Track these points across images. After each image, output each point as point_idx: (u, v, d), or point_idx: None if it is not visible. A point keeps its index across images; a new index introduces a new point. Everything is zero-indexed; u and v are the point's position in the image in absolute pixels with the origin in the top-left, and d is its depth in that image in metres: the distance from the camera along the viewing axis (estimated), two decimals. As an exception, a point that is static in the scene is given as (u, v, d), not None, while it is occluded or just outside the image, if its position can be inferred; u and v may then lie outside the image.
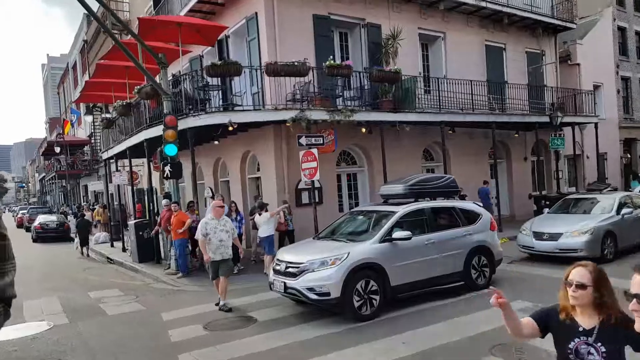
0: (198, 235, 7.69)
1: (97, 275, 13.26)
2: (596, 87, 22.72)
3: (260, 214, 10.56)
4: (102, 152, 19.54)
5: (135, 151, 15.79)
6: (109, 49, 15.05)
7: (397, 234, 6.93)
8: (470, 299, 7.65)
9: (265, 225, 10.46)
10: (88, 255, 19.03)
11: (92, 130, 35.75)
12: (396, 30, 14.11)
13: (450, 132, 15.71)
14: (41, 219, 26.17)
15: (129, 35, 15.69)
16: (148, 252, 14.04)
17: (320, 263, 6.59)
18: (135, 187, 26.05)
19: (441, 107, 14.27)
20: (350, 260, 6.55)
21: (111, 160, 20.62)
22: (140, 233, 14.18)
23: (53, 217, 27.02)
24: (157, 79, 12.65)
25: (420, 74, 15.26)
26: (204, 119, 11.34)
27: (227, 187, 17.07)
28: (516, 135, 18.26)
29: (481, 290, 7.89)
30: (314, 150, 11.40)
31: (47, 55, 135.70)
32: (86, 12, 13.83)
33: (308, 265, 6.64)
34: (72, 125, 38.32)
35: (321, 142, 11.68)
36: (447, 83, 14.51)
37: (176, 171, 11.45)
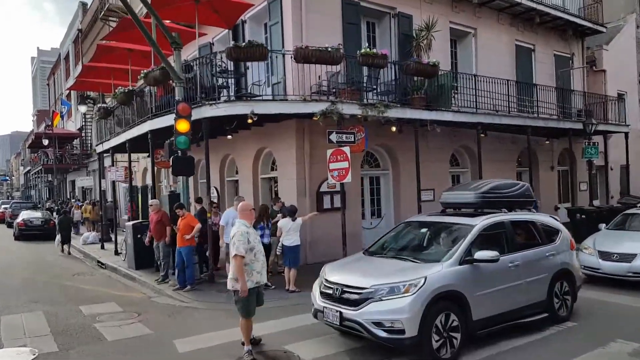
0: (239, 250, 5.52)
1: (88, 283, 11.67)
2: (620, 95, 21.64)
3: (293, 219, 9.09)
4: (97, 145, 17.94)
5: (136, 144, 14.26)
6: (112, 29, 13.48)
7: (481, 254, 5.54)
8: (557, 336, 6.27)
9: (293, 233, 9.01)
10: (69, 252, 17.81)
11: (83, 123, 34.00)
12: (431, 21, 12.79)
13: (483, 135, 14.40)
14: (25, 215, 24.33)
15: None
16: (146, 258, 12.44)
17: (389, 289, 5.17)
18: (127, 185, 24.57)
19: (477, 107, 12.94)
20: (429, 287, 5.13)
21: (105, 155, 19.02)
22: (139, 236, 12.59)
23: (38, 214, 25.20)
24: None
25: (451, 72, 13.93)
26: (223, 108, 9.87)
27: (234, 188, 15.59)
28: (547, 142, 17.05)
29: (564, 324, 6.53)
30: (346, 149, 10.00)
31: (38, 48, 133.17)
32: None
33: (373, 291, 5.21)
34: (62, 117, 36.45)
35: (352, 139, 10.30)
36: (485, 82, 13.19)
37: (187, 167, 9.96)
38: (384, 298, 5.13)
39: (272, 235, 9.79)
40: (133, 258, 12.56)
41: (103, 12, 24.57)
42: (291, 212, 9.20)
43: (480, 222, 6.04)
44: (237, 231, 5.63)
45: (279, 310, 7.94)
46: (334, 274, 5.91)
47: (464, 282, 5.45)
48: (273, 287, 9.38)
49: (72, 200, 29.44)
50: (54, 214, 27.24)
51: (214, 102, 10.00)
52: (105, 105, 16.56)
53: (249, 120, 10.68)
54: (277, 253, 9.65)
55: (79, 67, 36.96)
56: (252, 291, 5.66)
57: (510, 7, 15.80)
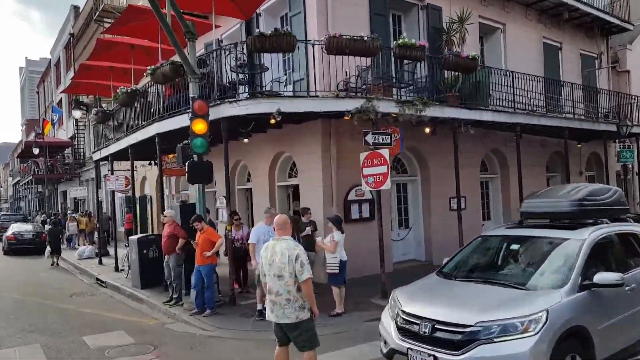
0: (310, 272, 4.53)
1: (89, 305, 10.36)
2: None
3: (340, 231, 7.88)
4: (93, 152, 16.63)
5: (139, 151, 13.02)
6: (114, 21, 12.27)
7: (603, 277, 4.38)
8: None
9: (339, 248, 7.81)
10: (57, 264, 17.49)
11: (76, 131, 32.58)
12: (465, 13, 11.74)
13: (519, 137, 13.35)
14: (15, 228, 22.87)
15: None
16: (153, 275, 11.18)
17: (501, 327, 3.97)
18: (125, 195, 23.26)
19: (516, 106, 11.87)
20: (554, 323, 3.95)
21: (102, 163, 17.72)
22: (145, 251, 11.34)
23: (29, 227, 23.74)
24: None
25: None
26: (245, 106, 8.70)
27: (245, 197, 14.38)
28: (578, 145, 16.03)
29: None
30: (384, 151, 8.84)
31: (26, 58, 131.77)
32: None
33: (480, 330, 4.01)
34: (53, 125, 34.97)
35: (389, 141, 9.15)
36: (522, 80, 12.14)
37: (205, 173, 8.76)
38: (496, 339, 3.95)
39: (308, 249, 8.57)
40: (138, 276, 11.27)
41: (97, 13, 23.36)
42: (339, 222, 8.02)
43: (589, 236, 4.89)
44: (299, 251, 4.53)
45: (325, 341, 6.72)
46: (414, 303, 4.71)
47: (585, 313, 4.30)
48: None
49: (69, 212, 27.89)
50: (46, 226, 25.81)
51: (235, 99, 8.82)
52: (103, 108, 15.29)
53: (272, 121, 9.50)
54: (329, 271, 8.31)
55: (71, 73, 35.67)
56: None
57: (538, 2, 14.84)
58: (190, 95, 8.99)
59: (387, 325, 4.85)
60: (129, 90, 12.12)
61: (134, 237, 11.70)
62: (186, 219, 10.25)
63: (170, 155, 14.69)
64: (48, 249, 17.97)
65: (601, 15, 16.44)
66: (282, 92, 10.07)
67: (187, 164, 8.61)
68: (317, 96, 8.93)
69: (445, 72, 10.90)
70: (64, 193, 40.53)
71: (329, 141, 10.51)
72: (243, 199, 14.46)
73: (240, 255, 9.54)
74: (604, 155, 16.57)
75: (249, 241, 7.67)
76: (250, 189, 13.71)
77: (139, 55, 13.37)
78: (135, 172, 20.45)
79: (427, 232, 12.55)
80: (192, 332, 7.71)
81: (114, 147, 14.16)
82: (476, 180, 13.49)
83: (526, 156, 14.53)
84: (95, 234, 22.35)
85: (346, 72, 9.83)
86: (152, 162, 17.54)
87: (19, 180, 45.99)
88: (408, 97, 10.24)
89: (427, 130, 11.07)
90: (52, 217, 26.48)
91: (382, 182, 8.86)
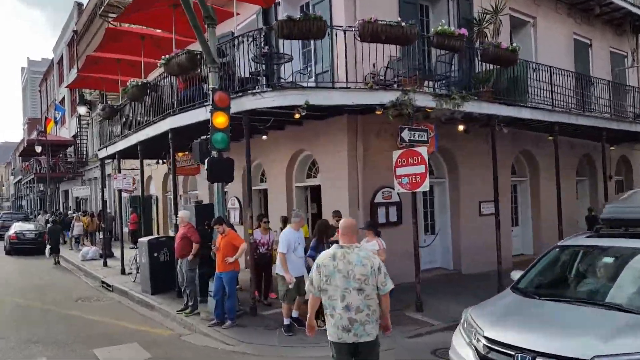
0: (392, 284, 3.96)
1: (96, 311, 9.61)
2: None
3: (377, 234, 7.13)
4: (99, 150, 15.91)
5: (149, 148, 12.31)
6: (124, 9, 11.53)
7: None
8: None
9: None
10: (58, 263, 17.52)
11: (79, 129, 31.89)
12: (499, 3, 11.00)
13: (550, 137, 12.61)
14: (17, 227, 22.15)
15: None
16: (165, 280, 10.49)
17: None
18: (130, 194, 22.55)
19: (554, 103, 11.12)
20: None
21: (107, 161, 17.00)
22: (155, 254, 10.61)
23: (31, 226, 23.03)
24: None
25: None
26: (271, 98, 7.96)
27: (258, 198, 13.63)
28: (612, 148, 15.28)
29: None
30: (422, 150, 8.10)
31: (28, 58, 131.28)
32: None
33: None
34: (56, 123, 34.28)
35: (425, 138, 8.42)
36: (560, 76, 11.39)
37: (226, 171, 8.01)
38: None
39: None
40: (148, 280, 10.54)
41: (102, 8, 22.69)
42: (375, 227, 7.27)
43: None
44: (378, 260, 3.92)
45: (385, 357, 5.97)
46: (501, 328, 3.92)
47: None
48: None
49: (73, 212, 27.12)
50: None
51: (259, 90, 8.08)
52: (109, 104, 14.57)
53: (296, 115, 8.77)
54: None
55: (74, 71, 35.01)
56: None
57: (571, -6, 14.14)
58: (210, 86, 8.26)
59: (463, 351, 4.08)
60: (140, 83, 11.39)
61: (143, 240, 10.96)
62: (201, 221, 9.58)
63: (180, 154, 13.93)
64: (48, 247, 17.79)
65: (634, 10, 15.69)
66: (307, 84, 9.35)
67: (206, 161, 7.87)
68: (349, 87, 8.18)
69: (476, 66, 10.18)
70: (66, 192, 39.84)
71: (355, 139, 9.76)
72: (256, 201, 13.71)
73: (265, 262, 8.85)
74: (625, 159, 15.89)
75: (279, 250, 6.90)
76: (265, 189, 12.96)
77: (149, 47, 12.64)
78: (132, 169, 19.77)
79: (455, 238, 11.78)
80: (213, 346, 6.97)
81: (122, 144, 13.44)
82: (507, 183, 12.71)
83: (553, 159, 13.76)
84: (99, 235, 21.67)
85: (374, 64, 9.08)
86: (159, 161, 16.81)
87: (21, 179, 45.29)
88: (442, 91, 9.47)
89: (461, 128, 10.34)
90: (52, 216, 26.01)
91: (419, 183, 8.13)
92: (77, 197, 31.89)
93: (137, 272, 12.24)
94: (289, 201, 11.68)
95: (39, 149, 30.76)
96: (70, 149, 35.96)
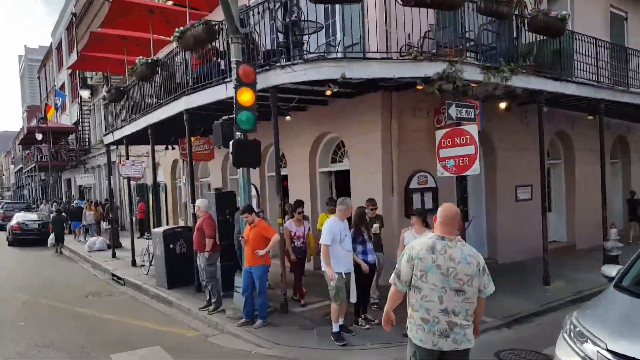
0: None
1: (110, 309, 8.87)
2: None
3: (426, 224, 6.31)
4: (105, 135, 15.06)
5: (160, 132, 11.49)
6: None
7: None
8: None
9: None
10: (60, 252, 17.28)
11: (80, 116, 30.97)
12: (541, -31, 10.08)
13: (591, 117, 11.79)
14: (19, 217, 21.39)
15: None
16: (182, 273, 9.74)
17: None
18: (136, 182, 21.78)
19: (599, 79, 10.25)
20: None
21: (112, 147, 16.14)
22: (171, 246, 9.84)
23: (34, 216, 22.27)
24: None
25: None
26: (303, 71, 7.10)
27: (274, 185, 12.80)
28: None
29: None
30: (471, 128, 7.28)
31: (25, 46, 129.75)
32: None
33: None
34: (57, 109, 33.34)
35: (472, 116, 7.59)
36: (605, 49, 10.50)
37: (253, 154, 7.20)
38: None
39: (376, 250, 7.02)
40: (164, 274, 9.79)
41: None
42: (425, 215, 6.45)
43: None
44: (480, 258, 3.27)
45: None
46: (629, 341, 3.17)
47: None
48: (376, 321, 6.69)
49: (77, 201, 26.29)
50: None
51: (289, 63, 7.21)
52: (114, 86, 13.68)
53: (328, 92, 7.96)
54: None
55: (74, 56, 33.96)
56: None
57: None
58: (233, 59, 7.41)
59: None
60: (150, 61, 10.52)
61: (158, 230, 10.18)
62: (222, 210, 8.81)
63: (192, 138, 13.11)
64: (52, 237, 17.76)
65: (671, -19, 14.73)
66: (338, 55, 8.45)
67: (231, 144, 7.04)
68: (391, 58, 7.31)
69: (521, 36, 9.28)
70: (69, 181, 39.02)
71: (389, 118, 8.91)
72: (273, 187, 12.89)
73: (300, 256, 8.04)
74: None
75: (321, 242, 6.04)
76: (285, 176, 12.11)
77: (158, 22, 11.76)
78: (147, 157, 19.03)
79: (490, 226, 11.01)
80: (246, 350, 6.22)
81: (129, 129, 12.59)
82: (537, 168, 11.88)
83: (589, 140, 12.92)
84: (104, 224, 20.93)
85: (409, 34, 8.18)
86: (168, 147, 15.99)
87: (22, 168, 44.43)
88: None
89: (503, 105, 9.49)
90: (56, 205, 25.34)
91: (467, 166, 7.33)
92: (80, 186, 31.08)
93: (150, 265, 11.50)
94: (312, 188, 10.89)
95: (39, 136, 29.89)
96: (71, 136, 35.10)
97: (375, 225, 7.32)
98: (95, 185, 29.62)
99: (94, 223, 19.08)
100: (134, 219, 17.59)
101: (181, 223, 18.23)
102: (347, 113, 9.57)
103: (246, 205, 7.00)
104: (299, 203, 8.16)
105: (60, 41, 38.42)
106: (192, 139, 13.07)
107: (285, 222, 7.74)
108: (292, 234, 7.85)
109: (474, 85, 8.02)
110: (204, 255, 7.72)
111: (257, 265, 6.75)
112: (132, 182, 22.22)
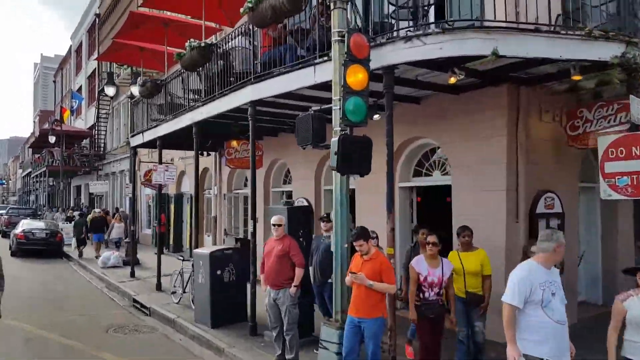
0: None
1: (139, 353, 6.78)
2: None
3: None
4: (132, 136, 13.15)
5: (204, 131, 9.57)
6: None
7: None
8: None
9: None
10: (81, 255, 17.11)
11: (96, 121, 29.24)
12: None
13: None
14: (25, 225, 19.34)
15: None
16: (231, 308, 7.71)
17: None
18: (156, 192, 19.88)
19: None
20: None
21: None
22: (219, 272, 7.79)
23: (41, 224, 20.22)
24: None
25: None
26: (439, 44, 5.12)
27: (330, 200, 10.77)
28: None
29: None
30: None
31: (41, 54, 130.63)
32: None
33: None
34: (72, 112, 31.70)
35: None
36: None
37: (363, 155, 5.19)
38: None
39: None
40: (209, 308, 7.70)
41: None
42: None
43: None
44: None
45: None
46: None
47: None
48: None
49: (89, 210, 24.32)
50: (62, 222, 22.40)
51: (419, 33, 5.24)
52: (150, 79, 11.78)
53: (452, 80, 5.96)
54: None
55: (93, 59, 32.48)
56: None
57: None
58: (335, 30, 5.45)
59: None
60: (202, 44, 8.60)
61: (202, 251, 8.11)
62: (295, 231, 6.79)
63: (235, 142, 11.18)
64: (74, 239, 17.78)
65: None
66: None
67: (336, 141, 5.03)
68: (557, 33, 5.31)
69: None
70: (78, 188, 37.17)
71: (516, 121, 6.90)
72: (330, 203, 10.88)
73: (436, 314, 5.14)
74: None
75: (504, 299, 3.79)
76: (353, 189, 10.07)
77: (173, 35, 10.09)
78: (169, 163, 16.96)
79: (608, 263, 8.86)
80: None
81: (166, 128, 10.68)
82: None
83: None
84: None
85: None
86: (204, 153, 14.01)
87: (30, 172, 42.64)
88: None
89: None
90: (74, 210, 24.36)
91: (654, 185, 5.27)
92: (91, 193, 29.20)
93: (183, 292, 9.46)
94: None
95: (52, 139, 28.09)
96: (85, 141, 33.39)
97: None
98: (108, 194, 27.73)
99: (122, 237, 16.31)
100: (156, 232, 15.50)
101: (207, 240, 16.18)
102: (449, 113, 7.57)
103: (361, 228, 4.91)
104: (425, 227, 6.01)
105: (81, 43, 37.09)
106: (237, 142, 11.19)
107: (406, 257, 5.62)
108: (421, 279, 5.15)
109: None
110: (286, 292, 5.66)
111: (372, 318, 4.65)
112: (151, 192, 20.52)
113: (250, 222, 7.51)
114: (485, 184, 7.04)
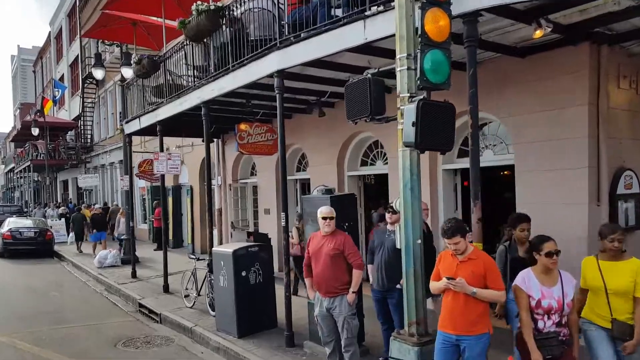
0: None
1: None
2: None
3: None
4: (127, 122, 11.87)
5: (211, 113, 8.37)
6: None
7: None
8: None
9: None
10: (80, 250, 16.59)
11: (81, 111, 27.65)
12: None
13: None
14: (12, 223, 17.99)
15: None
16: (258, 315, 6.61)
17: None
18: (151, 184, 18.65)
19: None
20: None
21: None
22: (244, 273, 6.67)
23: (29, 222, 18.88)
24: None
25: None
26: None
27: (358, 186, 9.74)
28: None
29: None
30: None
31: (18, 46, 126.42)
32: None
33: None
34: (55, 102, 29.95)
35: None
36: None
37: (444, 126, 4.05)
38: None
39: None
40: (234, 315, 6.60)
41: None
42: None
43: None
44: None
45: None
46: None
47: None
48: None
49: (83, 205, 23.00)
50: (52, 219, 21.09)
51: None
52: (147, 55, 10.46)
53: (537, 34, 4.87)
54: None
55: (75, 45, 30.77)
56: None
57: None
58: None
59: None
60: (213, 7, 7.36)
61: (224, 250, 6.96)
62: (339, 223, 5.65)
63: (244, 125, 9.96)
64: (72, 235, 17.50)
65: None
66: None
67: (414, 107, 3.89)
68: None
69: None
70: (65, 182, 35.58)
71: (597, 87, 5.82)
72: (358, 186, 9.80)
73: (555, 354, 3.50)
74: None
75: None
76: (384, 174, 8.97)
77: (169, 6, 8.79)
78: (172, 152, 15.69)
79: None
80: None
81: (168, 110, 9.45)
82: None
83: None
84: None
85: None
86: (214, 139, 12.78)
87: (13, 168, 40.82)
88: None
89: None
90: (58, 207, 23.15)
91: None
92: (80, 188, 27.75)
93: (198, 295, 8.35)
94: (432, 190, 7.76)
95: (35, 131, 26.50)
96: (70, 133, 31.79)
97: None
98: (98, 188, 26.32)
99: (126, 236, 14.34)
100: (160, 228, 14.31)
101: (214, 235, 14.99)
102: (510, 81, 6.48)
103: (456, 220, 3.75)
104: (522, 218, 4.76)
105: (61, 29, 35.20)
106: (244, 125, 9.96)
107: (500, 260, 4.43)
108: (532, 304, 3.56)
109: None
110: (343, 301, 4.58)
111: (476, 335, 3.57)
112: (146, 184, 19.22)
113: (262, 215, 6.47)
114: (560, 163, 5.98)
